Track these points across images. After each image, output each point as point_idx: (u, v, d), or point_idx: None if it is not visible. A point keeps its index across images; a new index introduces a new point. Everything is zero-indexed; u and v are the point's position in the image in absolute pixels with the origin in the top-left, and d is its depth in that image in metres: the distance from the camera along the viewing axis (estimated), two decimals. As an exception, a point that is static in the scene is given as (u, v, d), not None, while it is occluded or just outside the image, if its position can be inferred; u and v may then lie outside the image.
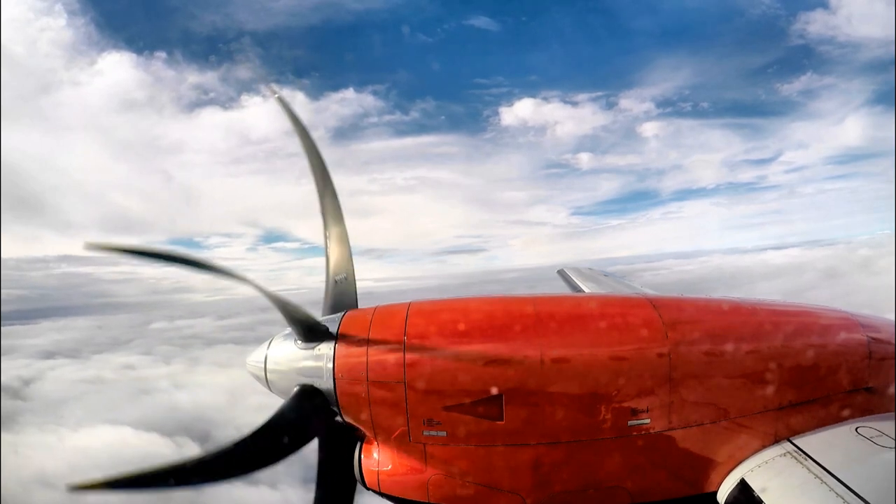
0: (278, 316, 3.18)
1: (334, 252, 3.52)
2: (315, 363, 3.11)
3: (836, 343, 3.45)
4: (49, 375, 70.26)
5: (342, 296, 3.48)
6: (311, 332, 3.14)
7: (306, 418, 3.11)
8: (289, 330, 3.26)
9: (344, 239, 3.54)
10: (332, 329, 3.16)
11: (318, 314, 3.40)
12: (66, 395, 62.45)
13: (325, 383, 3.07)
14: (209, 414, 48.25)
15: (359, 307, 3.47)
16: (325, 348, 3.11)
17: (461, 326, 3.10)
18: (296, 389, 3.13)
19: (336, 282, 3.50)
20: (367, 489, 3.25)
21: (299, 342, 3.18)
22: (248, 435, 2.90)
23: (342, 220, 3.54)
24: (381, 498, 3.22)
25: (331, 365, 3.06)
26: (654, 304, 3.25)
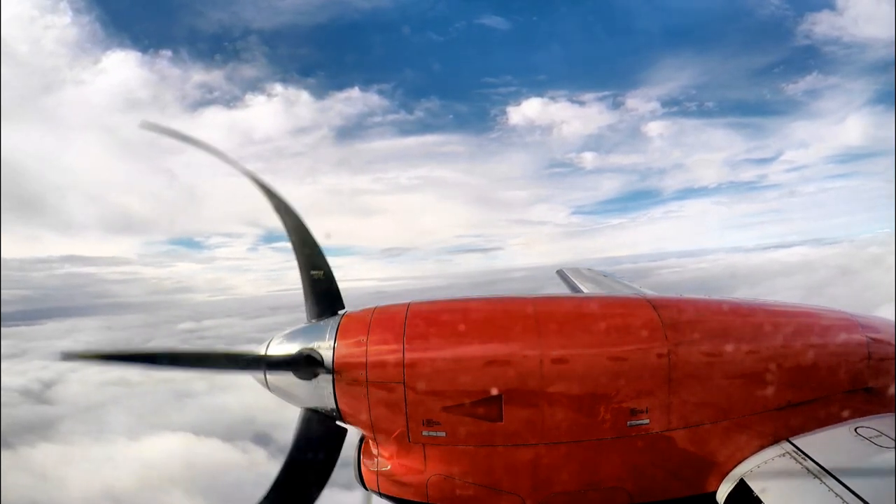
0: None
1: (303, 252, 3.42)
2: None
3: (835, 343, 3.43)
4: (71, 377, 69.05)
5: (327, 294, 3.40)
6: (306, 368, 3.11)
7: (323, 440, 3.15)
8: (289, 330, 3.28)
9: (307, 237, 3.42)
10: (332, 328, 3.16)
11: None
12: (98, 399, 61.19)
13: (326, 387, 3.08)
14: (259, 416, 46.33)
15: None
16: (326, 349, 3.10)
17: (461, 327, 3.11)
18: (301, 414, 3.17)
19: (314, 280, 3.39)
20: (367, 490, 3.29)
21: (301, 376, 3.14)
22: (276, 482, 2.95)
23: (300, 221, 3.41)
24: (380, 498, 3.24)
25: (330, 366, 3.06)
26: (654, 304, 3.25)
